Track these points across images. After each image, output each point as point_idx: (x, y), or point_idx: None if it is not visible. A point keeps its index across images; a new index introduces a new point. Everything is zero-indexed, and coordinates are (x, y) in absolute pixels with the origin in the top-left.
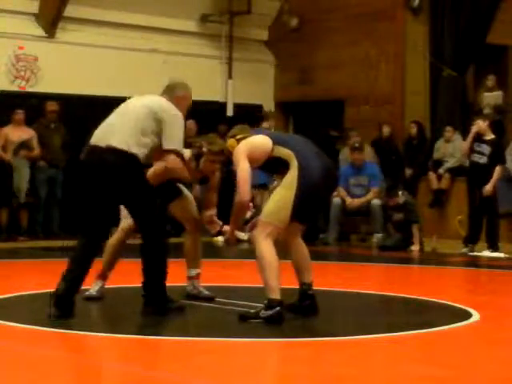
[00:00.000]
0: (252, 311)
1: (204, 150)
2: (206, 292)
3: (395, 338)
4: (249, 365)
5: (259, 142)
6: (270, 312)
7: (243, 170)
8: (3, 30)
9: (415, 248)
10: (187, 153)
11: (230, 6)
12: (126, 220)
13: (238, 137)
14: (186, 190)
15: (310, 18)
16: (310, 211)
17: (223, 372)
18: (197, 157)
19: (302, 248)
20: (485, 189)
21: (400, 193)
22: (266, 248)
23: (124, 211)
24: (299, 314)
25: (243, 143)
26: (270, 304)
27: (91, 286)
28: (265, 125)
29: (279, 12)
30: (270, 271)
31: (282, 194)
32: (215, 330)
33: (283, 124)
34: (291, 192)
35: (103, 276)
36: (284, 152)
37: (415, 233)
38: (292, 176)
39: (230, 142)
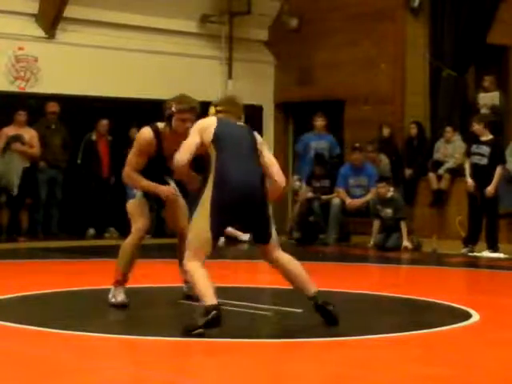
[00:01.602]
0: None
1: (173, 109)
2: None
3: (395, 338)
4: (249, 365)
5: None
6: (206, 318)
7: (188, 142)
8: (3, 30)
9: (406, 244)
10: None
11: (230, 7)
12: (140, 220)
13: (219, 108)
14: (180, 198)
15: (310, 18)
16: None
17: (223, 373)
18: (168, 118)
19: (288, 266)
20: (487, 190)
21: (391, 188)
22: (192, 267)
23: (142, 211)
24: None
25: (206, 120)
26: (207, 310)
27: (114, 293)
28: None
29: (279, 12)
30: (199, 283)
31: (198, 218)
32: (214, 330)
33: (283, 124)
34: (207, 213)
35: (124, 280)
36: (212, 152)
37: (403, 230)
38: (206, 195)
39: (211, 109)
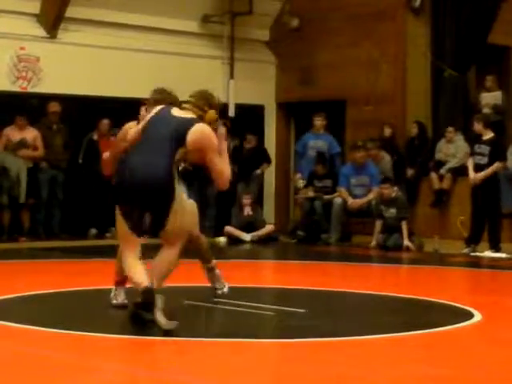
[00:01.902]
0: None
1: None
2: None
3: (397, 338)
4: (251, 365)
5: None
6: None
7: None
8: (5, 30)
9: (407, 244)
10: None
11: (232, 7)
12: None
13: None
14: (190, 201)
15: (311, 18)
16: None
17: (226, 372)
18: None
19: (156, 257)
20: (474, 176)
21: (395, 188)
22: (123, 257)
23: None
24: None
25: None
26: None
27: (115, 294)
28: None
29: (280, 12)
30: (130, 271)
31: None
32: (218, 330)
33: (285, 124)
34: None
35: (124, 281)
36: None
37: (404, 229)
38: None
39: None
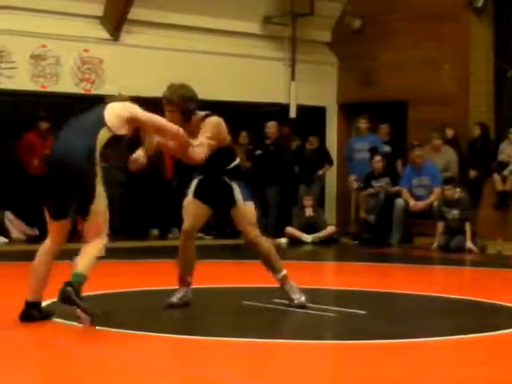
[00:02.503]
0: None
1: None
2: None
3: (459, 340)
4: (312, 367)
5: None
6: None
7: None
8: (69, 33)
9: (470, 246)
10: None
11: (293, 8)
12: (186, 221)
13: None
14: (248, 203)
15: (373, 19)
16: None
17: (287, 374)
18: None
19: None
20: None
21: (458, 189)
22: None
23: (188, 211)
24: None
25: None
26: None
27: (175, 293)
28: None
29: (342, 13)
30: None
31: None
32: (277, 331)
33: (346, 125)
34: None
35: (184, 281)
36: None
37: (468, 231)
38: None
39: None
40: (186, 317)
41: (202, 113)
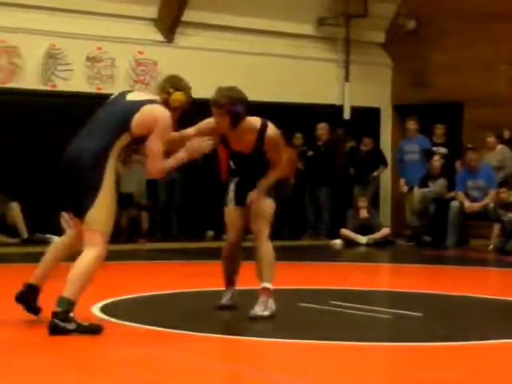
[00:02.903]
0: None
1: None
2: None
3: None
4: (367, 368)
5: None
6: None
7: None
8: (123, 35)
9: None
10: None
11: (347, 9)
12: (229, 233)
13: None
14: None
15: (427, 20)
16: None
17: (340, 375)
18: None
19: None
20: None
21: None
22: None
23: (230, 221)
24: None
25: None
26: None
27: (223, 295)
28: None
29: (396, 14)
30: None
31: None
32: (332, 332)
33: (400, 127)
34: None
35: (229, 282)
36: None
37: None
38: None
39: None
40: (240, 318)
41: (256, 123)
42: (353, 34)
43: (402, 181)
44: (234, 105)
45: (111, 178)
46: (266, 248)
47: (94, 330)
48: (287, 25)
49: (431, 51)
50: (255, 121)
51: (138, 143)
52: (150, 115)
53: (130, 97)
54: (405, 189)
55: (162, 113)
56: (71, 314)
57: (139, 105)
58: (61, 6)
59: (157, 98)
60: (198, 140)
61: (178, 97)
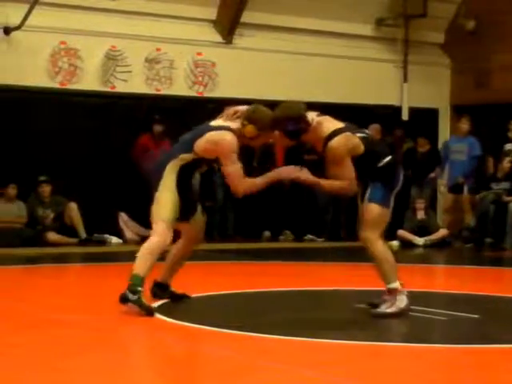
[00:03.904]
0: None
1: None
2: None
3: None
4: (422, 371)
5: None
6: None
7: None
8: (183, 36)
9: None
10: None
11: (406, 10)
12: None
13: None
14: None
15: (487, 20)
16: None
17: (395, 377)
18: None
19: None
20: None
21: None
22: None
23: None
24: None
25: None
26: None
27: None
28: None
29: (455, 15)
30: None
31: None
32: (389, 334)
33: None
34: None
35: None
36: None
37: None
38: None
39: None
40: (298, 319)
41: (327, 131)
42: (412, 35)
43: (443, 181)
44: (280, 125)
45: (168, 178)
46: (377, 252)
47: (148, 310)
48: (346, 25)
49: (491, 51)
50: (327, 129)
51: (208, 164)
52: (210, 140)
53: (212, 123)
54: (442, 189)
55: (221, 140)
56: (139, 288)
57: (206, 130)
58: (120, 8)
59: (234, 125)
60: (292, 166)
61: (249, 129)
